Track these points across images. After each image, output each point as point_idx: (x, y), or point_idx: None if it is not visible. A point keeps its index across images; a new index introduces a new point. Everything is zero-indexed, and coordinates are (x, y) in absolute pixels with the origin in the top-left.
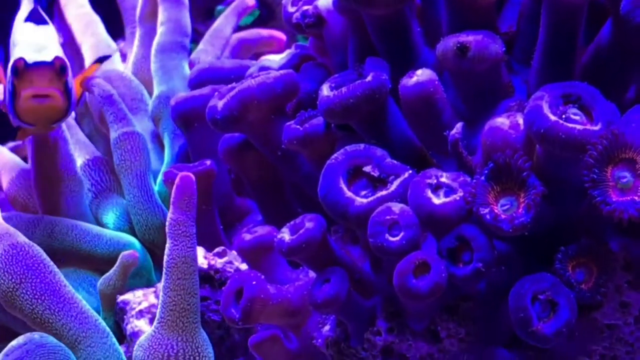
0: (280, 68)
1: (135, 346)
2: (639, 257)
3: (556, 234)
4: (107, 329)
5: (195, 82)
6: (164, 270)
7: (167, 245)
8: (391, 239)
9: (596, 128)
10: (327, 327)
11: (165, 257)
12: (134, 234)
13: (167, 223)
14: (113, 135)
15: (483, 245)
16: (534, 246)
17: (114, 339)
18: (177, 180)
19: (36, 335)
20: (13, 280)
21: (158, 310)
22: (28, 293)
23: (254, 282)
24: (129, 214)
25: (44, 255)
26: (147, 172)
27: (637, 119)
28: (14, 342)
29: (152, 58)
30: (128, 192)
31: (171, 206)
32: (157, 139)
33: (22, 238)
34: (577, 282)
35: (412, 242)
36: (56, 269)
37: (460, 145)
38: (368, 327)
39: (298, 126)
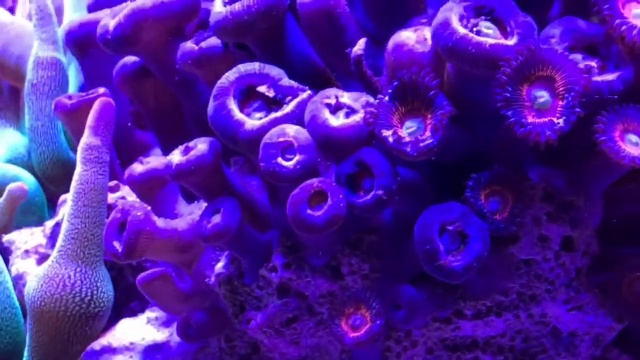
0: None
1: (29, 276)
2: (560, 187)
3: (472, 163)
4: (2, 265)
5: (94, 8)
6: (71, 196)
7: (77, 171)
8: (284, 163)
9: (510, 43)
10: (220, 264)
11: (73, 182)
12: (26, 167)
13: (79, 147)
14: (40, 54)
15: (385, 171)
16: (448, 176)
17: (7, 277)
18: (95, 105)
19: None
20: None
21: (59, 239)
22: None
23: (138, 214)
24: (23, 146)
25: None
26: None
27: (557, 33)
28: None
29: None
30: (36, 118)
31: (86, 130)
32: None
33: None
34: (490, 212)
35: (307, 167)
36: None
37: (365, 64)
38: (263, 263)
39: (194, 45)
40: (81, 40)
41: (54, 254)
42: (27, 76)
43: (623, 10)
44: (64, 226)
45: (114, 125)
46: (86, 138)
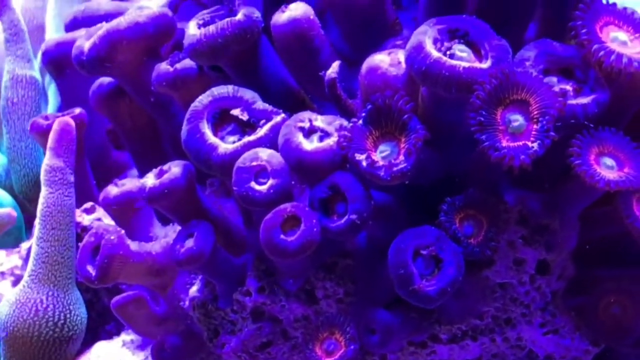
0: None
1: (2, 301)
2: (535, 210)
3: (446, 186)
4: None
5: (71, 28)
6: (38, 219)
7: (42, 194)
8: (257, 187)
9: (484, 66)
10: (194, 288)
11: (39, 205)
12: (3, 187)
13: (42, 170)
14: (18, 72)
15: (358, 196)
16: (422, 199)
17: None
18: (55, 125)
19: None
20: None
21: (29, 263)
22: None
23: (112, 237)
24: (1, 165)
25: None
26: None
27: (532, 56)
28: None
29: (49, 4)
30: (19, 138)
31: (48, 152)
32: None
33: None
34: (465, 236)
35: (281, 191)
36: None
37: (339, 86)
38: (238, 287)
39: (169, 67)
40: (58, 60)
41: (25, 278)
42: (3, 94)
43: (601, 35)
44: (34, 250)
45: (75, 145)
46: (48, 160)
